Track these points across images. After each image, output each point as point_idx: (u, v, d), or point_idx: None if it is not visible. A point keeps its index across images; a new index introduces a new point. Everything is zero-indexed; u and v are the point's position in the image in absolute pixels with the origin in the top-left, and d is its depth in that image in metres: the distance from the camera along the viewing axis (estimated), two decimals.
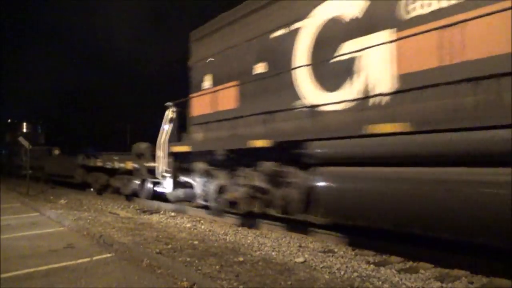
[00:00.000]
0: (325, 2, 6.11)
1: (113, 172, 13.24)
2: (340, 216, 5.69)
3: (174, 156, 9.17)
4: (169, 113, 9.67)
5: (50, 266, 4.95)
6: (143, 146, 11.01)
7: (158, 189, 9.84)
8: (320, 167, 5.74)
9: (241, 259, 5.10)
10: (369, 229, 6.05)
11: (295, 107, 6.55)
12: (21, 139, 16.63)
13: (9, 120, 32.95)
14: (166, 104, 9.77)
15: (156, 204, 11.00)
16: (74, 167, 15.83)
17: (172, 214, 9.51)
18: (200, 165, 8.56)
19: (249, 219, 7.60)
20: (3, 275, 4.59)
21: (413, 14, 4.90)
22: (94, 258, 5.34)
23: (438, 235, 4.80)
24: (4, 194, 14.79)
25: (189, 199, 9.16)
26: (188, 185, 9.06)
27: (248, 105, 7.54)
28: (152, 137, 10.18)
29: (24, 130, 31.11)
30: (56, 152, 24.89)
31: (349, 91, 5.64)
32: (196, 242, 6.13)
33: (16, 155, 27.49)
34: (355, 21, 5.62)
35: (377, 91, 5.27)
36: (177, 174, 9.20)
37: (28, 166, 18.04)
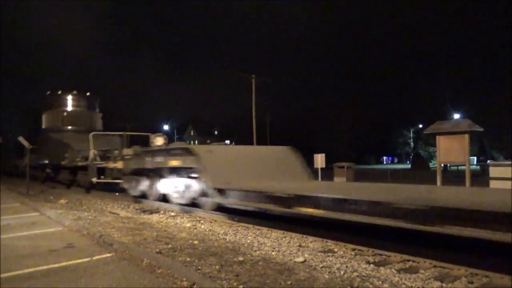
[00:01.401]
0: None
1: None
2: None
3: None
4: None
5: (50, 266, 4.96)
6: None
7: None
8: None
9: (241, 258, 5.09)
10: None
11: None
12: (20, 138, 14.56)
13: (48, 92, 20.61)
14: None
15: (156, 204, 10.98)
16: None
17: (172, 214, 9.50)
18: None
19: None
20: (3, 275, 4.59)
21: None
22: (94, 258, 5.34)
23: None
24: (4, 194, 14.78)
25: None
26: None
27: None
28: None
29: (70, 107, 19.68)
30: (161, 141, 12.55)
31: None
32: (196, 242, 6.13)
33: (60, 145, 17.06)
34: None
35: None
36: None
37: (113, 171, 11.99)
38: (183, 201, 9.90)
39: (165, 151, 10.48)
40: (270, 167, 9.70)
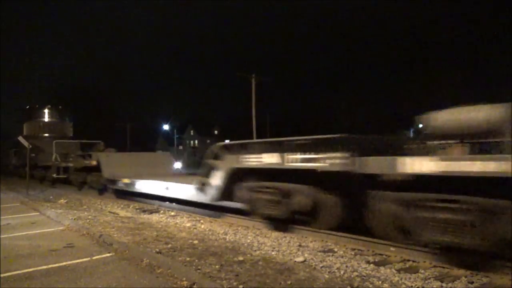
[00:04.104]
0: None
1: None
2: None
3: None
4: None
5: (49, 266, 4.95)
6: None
7: None
8: None
9: (241, 258, 5.09)
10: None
11: None
12: (20, 138, 15.27)
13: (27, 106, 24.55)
14: None
15: (156, 203, 10.99)
16: None
17: (172, 213, 9.50)
18: None
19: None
20: (3, 275, 4.59)
21: None
22: (94, 257, 5.34)
23: None
24: (4, 194, 14.78)
25: None
26: None
27: None
28: None
29: (46, 118, 24.20)
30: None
31: None
32: (195, 242, 6.13)
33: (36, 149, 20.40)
34: None
35: None
36: None
37: None
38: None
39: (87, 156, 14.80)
40: (147, 166, 13.72)
